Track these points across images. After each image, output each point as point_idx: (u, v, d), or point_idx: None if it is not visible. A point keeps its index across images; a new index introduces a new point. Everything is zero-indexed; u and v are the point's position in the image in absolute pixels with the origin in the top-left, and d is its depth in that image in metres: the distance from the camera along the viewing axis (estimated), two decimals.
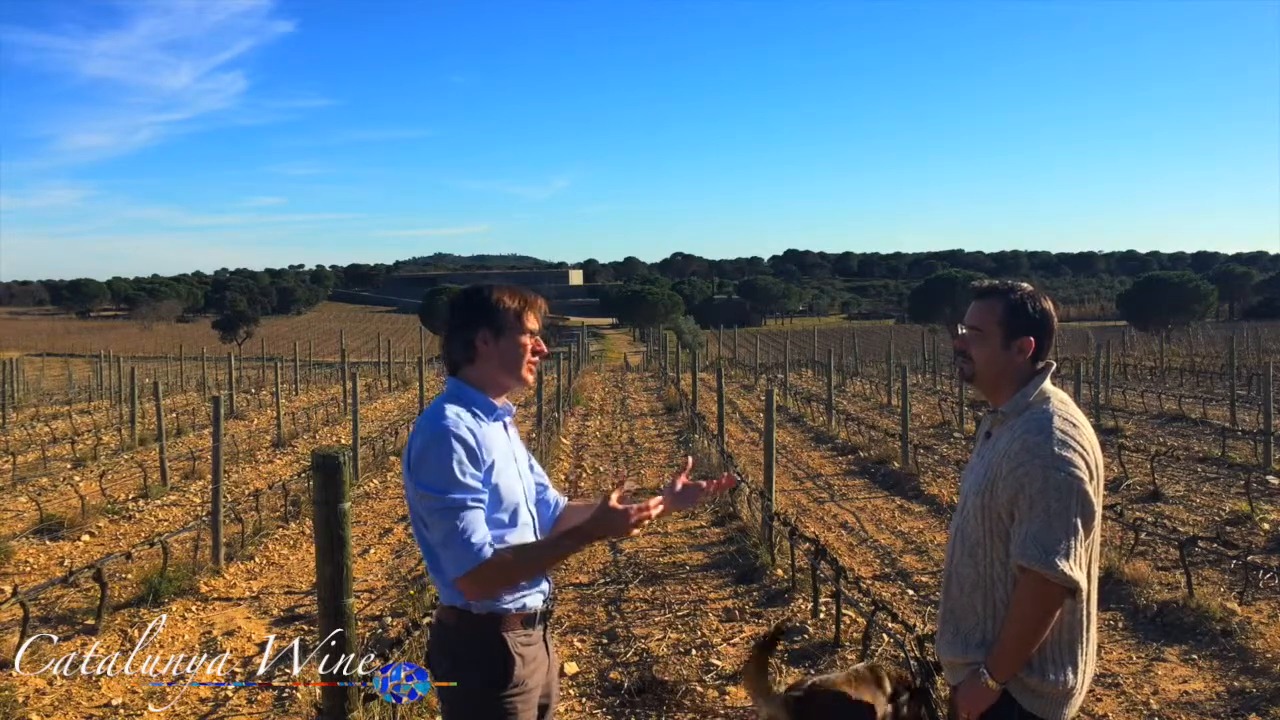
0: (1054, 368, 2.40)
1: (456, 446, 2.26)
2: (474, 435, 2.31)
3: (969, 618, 2.34)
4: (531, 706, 2.40)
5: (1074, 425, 2.25)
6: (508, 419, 2.49)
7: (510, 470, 2.42)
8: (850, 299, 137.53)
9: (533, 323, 2.44)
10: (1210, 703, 4.70)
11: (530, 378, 2.47)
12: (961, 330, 2.44)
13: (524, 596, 2.39)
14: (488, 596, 2.32)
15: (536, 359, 2.47)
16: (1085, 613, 2.29)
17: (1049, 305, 2.39)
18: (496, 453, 2.37)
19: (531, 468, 2.60)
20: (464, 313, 2.42)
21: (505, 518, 2.38)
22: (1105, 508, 7.64)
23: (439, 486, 2.25)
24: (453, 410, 2.33)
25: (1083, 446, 2.22)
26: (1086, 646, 2.30)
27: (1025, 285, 2.42)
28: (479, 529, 2.27)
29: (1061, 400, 2.32)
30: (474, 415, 2.36)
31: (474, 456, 2.29)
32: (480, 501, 2.28)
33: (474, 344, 2.40)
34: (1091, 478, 2.21)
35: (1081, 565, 2.18)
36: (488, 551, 2.25)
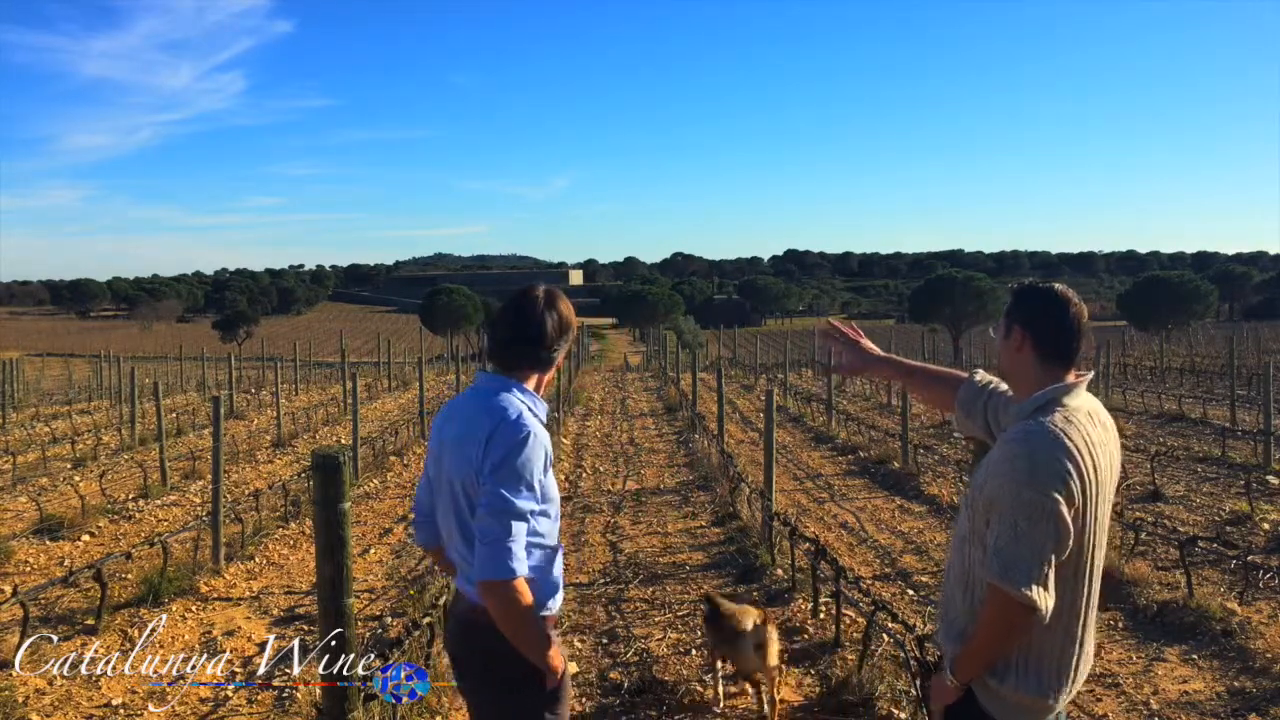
0: (1088, 378, 2.27)
1: (540, 454, 2.36)
2: (548, 441, 2.43)
3: (952, 609, 2.33)
4: (565, 703, 2.49)
5: (1064, 445, 2.12)
6: None
7: (551, 470, 2.52)
8: (850, 299, 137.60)
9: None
10: (1210, 703, 4.70)
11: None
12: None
13: (558, 595, 2.51)
14: (490, 606, 2.34)
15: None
16: (1073, 631, 2.22)
17: (1060, 302, 2.25)
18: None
19: None
20: (559, 326, 2.49)
21: (554, 513, 2.49)
22: None
23: (515, 488, 2.31)
24: (529, 413, 2.43)
25: (1068, 469, 2.10)
26: (1067, 666, 2.23)
27: (1048, 284, 2.31)
28: (522, 545, 2.32)
29: (1067, 417, 2.17)
30: (538, 418, 2.47)
31: (546, 465, 2.40)
32: (532, 514, 2.36)
33: (556, 356, 2.51)
34: (1073, 502, 2.10)
35: (1047, 587, 2.09)
36: (522, 570, 2.31)
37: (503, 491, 2.29)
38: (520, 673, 2.39)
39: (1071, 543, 2.13)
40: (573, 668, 5.21)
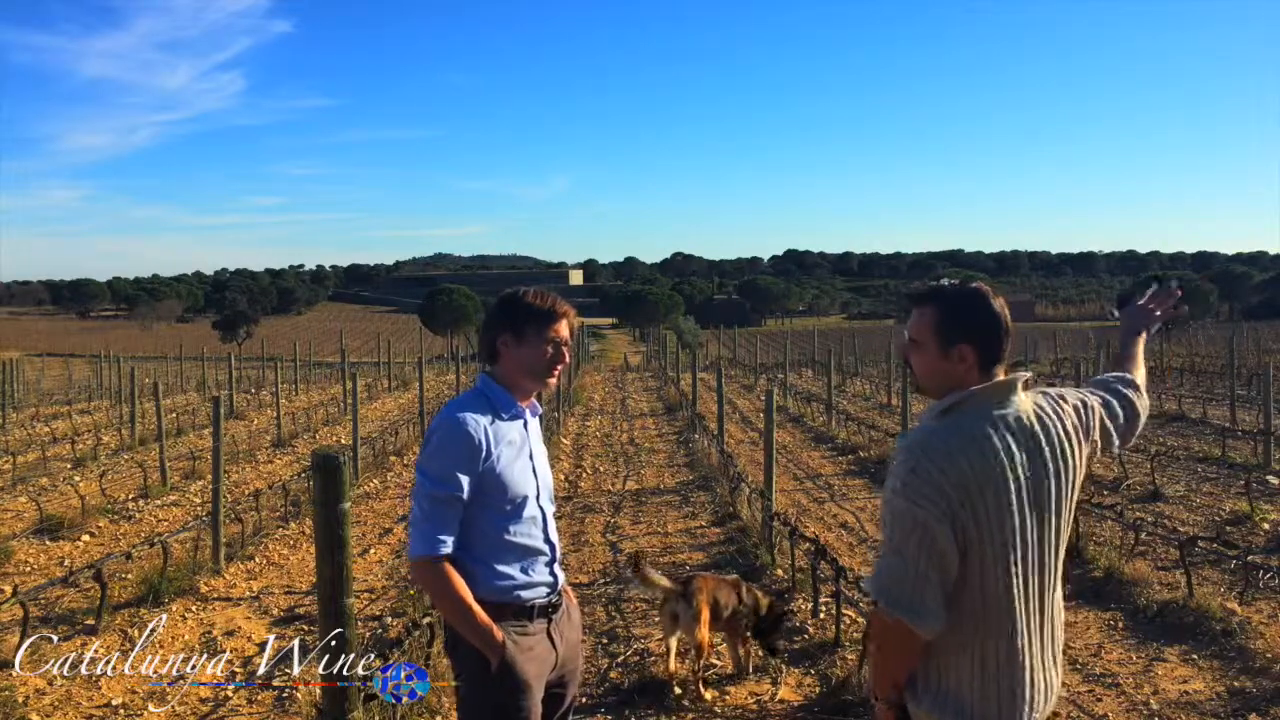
0: (1021, 378, 2.06)
1: (459, 440, 2.40)
2: (483, 430, 2.43)
3: None
4: (526, 693, 2.48)
5: (948, 452, 1.94)
6: (529, 417, 2.62)
7: (521, 464, 2.53)
8: (850, 299, 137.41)
9: (558, 331, 2.54)
10: (1210, 703, 4.70)
11: (552, 382, 2.62)
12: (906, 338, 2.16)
13: (517, 589, 2.50)
14: (422, 588, 2.48)
15: (559, 366, 2.58)
16: (998, 659, 2.00)
17: (996, 306, 2.05)
18: (505, 447, 2.48)
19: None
20: (493, 315, 2.58)
21: (509, 508, 2.49)
22: (1105, 507, 7.67)
23: (429, 472, 2.41)
24: (470, 403, 2.49)
25: (949, 479, 1.92)
26: (998, 696, 2.01)
27: (970, 285, 2.11)
28: (446, 526, 2.40)
29: (957, 424, 1.99)
30: (492, 411, 2.50)
31: (474, 452, 2.41)
32: (459, 499, 2.40)
33: (495, 345, 2.55)
34: (955, 516, 1.92)
35: (923, 605, 1.93)
36: (441, 550, 2.39)
37: (419, 475, 2.43)
38: (475, 661, 2.44)
39: (969, 559, 1.96)
40: None
